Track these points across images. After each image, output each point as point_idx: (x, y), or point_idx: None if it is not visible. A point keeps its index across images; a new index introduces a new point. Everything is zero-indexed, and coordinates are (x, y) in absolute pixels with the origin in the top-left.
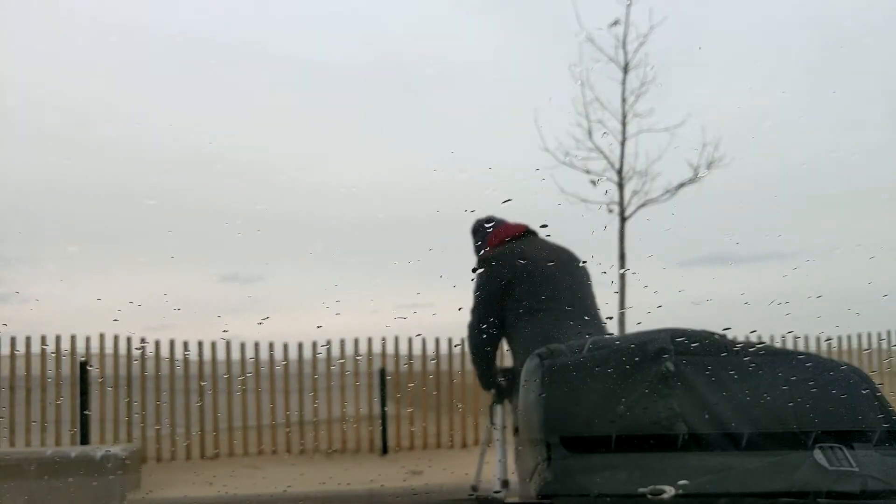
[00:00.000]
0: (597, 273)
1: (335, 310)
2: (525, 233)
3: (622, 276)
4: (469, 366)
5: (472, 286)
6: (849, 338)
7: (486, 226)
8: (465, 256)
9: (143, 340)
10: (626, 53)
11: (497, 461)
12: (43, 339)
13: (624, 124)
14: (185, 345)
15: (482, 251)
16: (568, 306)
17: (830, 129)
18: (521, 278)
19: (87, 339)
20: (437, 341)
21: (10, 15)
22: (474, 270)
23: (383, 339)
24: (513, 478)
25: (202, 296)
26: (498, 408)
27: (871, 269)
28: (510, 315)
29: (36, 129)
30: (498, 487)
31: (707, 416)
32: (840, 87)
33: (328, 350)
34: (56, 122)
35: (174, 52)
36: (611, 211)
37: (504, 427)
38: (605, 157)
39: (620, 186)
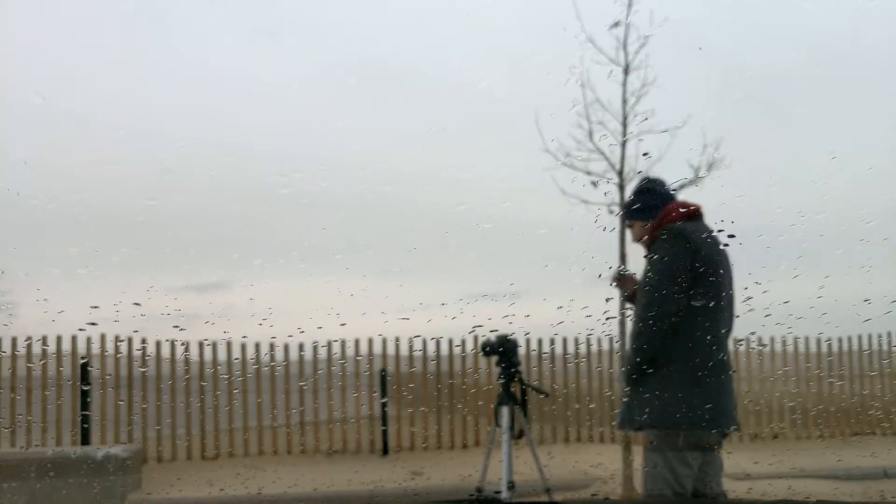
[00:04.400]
0: (595, 274)
1: (336, 310)
2: (698, 213)
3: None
4: (468, 366)
5: (654, 253)
6: (849, 339)
7: (658, 187)
8: (466, 257)
9: (143, 341)
10: (626, 55)
11: (501, 463)
12: (44, 340)
13: (625, 125)
14: (186, 345)
15: (654, 213)
16: (728, 307)
17: (831, 129)
18: (712, 260)
19: (88, 340)
20: (438, 342)
21: (11, 14)
22: (639, 222)
23: (384, 340)
24: (517, 479)
25: (203, 296)
26: (503, 409)
27: (871, 269)
28: (694, 297)
29: (36, 130)
30: (501, 489)
31: None
32: (840, 86)
33: (329, 351)
34: (57, 123)
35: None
36: (612, 212)
37: (510, 429)
38: (606, 159)
39: (621, 188)
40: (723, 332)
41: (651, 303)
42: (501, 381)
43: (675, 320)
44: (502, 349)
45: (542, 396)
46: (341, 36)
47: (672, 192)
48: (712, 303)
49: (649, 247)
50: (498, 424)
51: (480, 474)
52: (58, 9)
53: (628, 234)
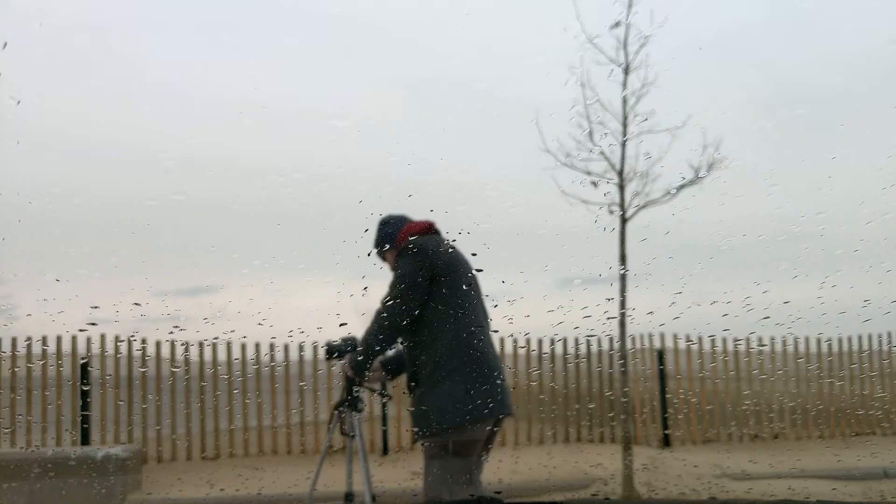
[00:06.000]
0: (595, 274)
1: (336, 311)
2: (432, 229)
3: (623, 277)
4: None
5: (388, 269)
6: (849, 339)
7: (395, 218)
8: (466, 256)
9: (143, 341)
10: (626, 55)
11: (358, 473)
12: (44, 340)
13: (625, 125)
14: (186, 345)
15: (394, 240)
16: (477, 307)
17: (831, 129)
18: (449, 271)
19: (88, 340)
20: None
21: (11, 14)
22: (388, 252)
23: None
24: (357, 489)
25: (203, 296)
26: (353, 415)
27: (871, 270)
28: (431, 306)
29: (35, 131)
30: (365, 499)
31: None
32: (841, 86)
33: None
34: (57, 124)
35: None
36: (612, 212)
37: (354, 435)
38: (606, 159)
39: (621, 188)
40: (478, 329)
41: (390, 313)
42: (348, 385)
43: (426, 325)
44: (347, 350)
45: (384, 400)
46: (341, 37)
47: (408, 220)
48: (460, 305)
49: (394, 266)
50: (344, 433)
51: (312, 481)
52: (59, 10)
53: (385, 264)
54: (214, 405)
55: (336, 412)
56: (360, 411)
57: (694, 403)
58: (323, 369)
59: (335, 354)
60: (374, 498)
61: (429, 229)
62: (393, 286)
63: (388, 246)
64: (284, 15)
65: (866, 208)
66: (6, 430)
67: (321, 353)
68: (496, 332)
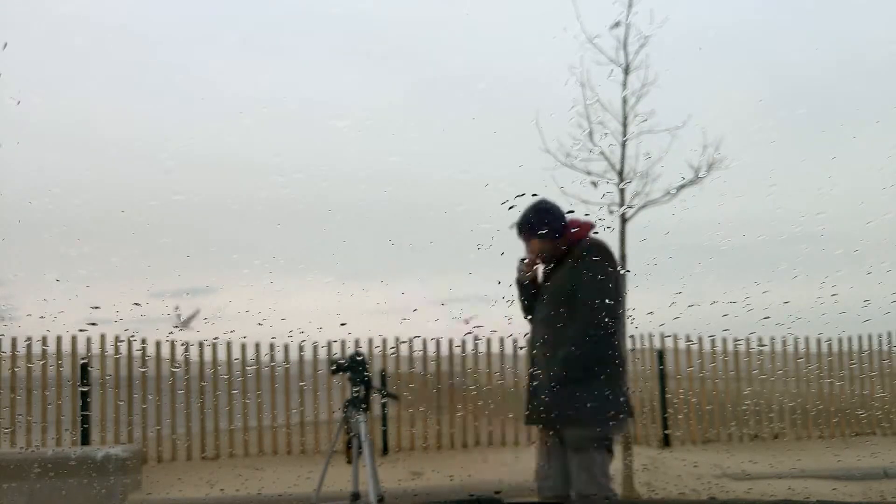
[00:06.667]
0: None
1: (336, 311)
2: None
3: (623, 277)
4: (468, 367)
5: (581, 266)
6: (849, 339)
7: (553, 208)
8: (466, 256)
9: (143, 341)
10: (626, 55)
11: (366, 472)
12: (44, 340)
13: (625, 126)
14: (186, 346)
15: (554, 231)
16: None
17: (832, 129)
18: (618, 270)
19: (88, 340)
20: (438, 342)
21: (11, 14)
22: (539, 238)
23: (384, 340)
24: (362, 489)
25: (203, 296)
26: (360, 418)
27: (871, 270)
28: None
29: (35, 131)
30: (371, 499)
31: None
32: (841, 86)
33: (328, 351)
34: (56, 123)
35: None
36: (612, 212)
37: (357, 435)
38: (606, 159)
39: (621, 188)
40: (621, 333)
41: (595, 312)
42: (355, 392)
43: (609, 325)
44: (351, 366)
45: (385, 399)
46: (341, 37)
47: (564, 213)
48: (621, 307)
49: (560, 259)
50: (349, 432)
51: (318, 483)
52: (59, 9)
53: (527, 245)
54: (214, 405)
55: (345, 413)
56: (364, 412)
57: (694, 403)
58: (323, 369)
59: (339, 370)
60: (381, 499)
61: (593, 229)
62: (595, 287)
63: (545, 232)
64: (284, 15)
65: (866, 208)
66: (6, 430)
67: (325, 365)
68: (495, 331)
